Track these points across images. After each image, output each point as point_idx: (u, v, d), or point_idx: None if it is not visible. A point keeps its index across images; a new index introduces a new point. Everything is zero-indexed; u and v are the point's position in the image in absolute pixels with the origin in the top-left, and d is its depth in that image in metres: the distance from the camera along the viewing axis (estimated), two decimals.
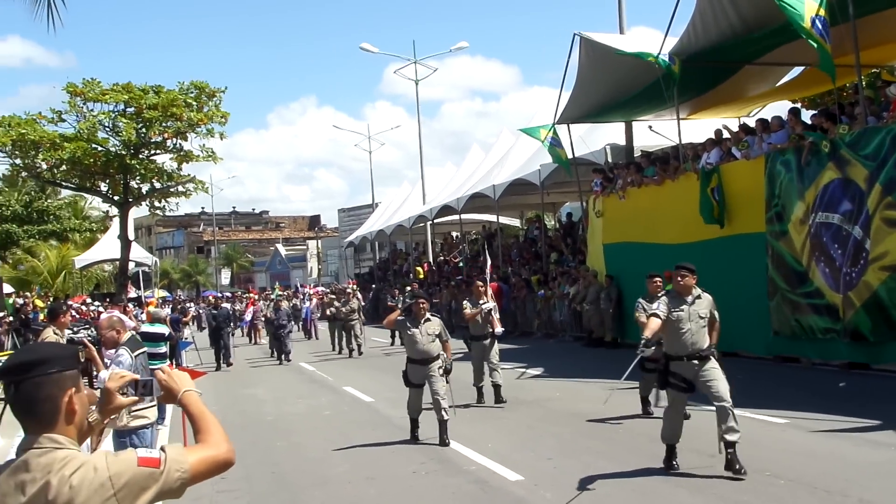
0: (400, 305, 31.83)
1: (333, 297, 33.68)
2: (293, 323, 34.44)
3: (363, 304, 33.05)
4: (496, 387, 16.98)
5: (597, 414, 14.45)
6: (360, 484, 11.08)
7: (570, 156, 27.43)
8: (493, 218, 42.57)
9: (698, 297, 10.64)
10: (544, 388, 18.89)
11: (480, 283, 17.96)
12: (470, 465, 11.69)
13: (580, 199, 30.54)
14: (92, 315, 30.68)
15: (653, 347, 10.80)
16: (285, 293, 45.20)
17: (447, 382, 13.66)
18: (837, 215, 17.22)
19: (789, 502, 9.06)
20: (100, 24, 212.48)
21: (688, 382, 10.46)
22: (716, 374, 10.38)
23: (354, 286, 36.61)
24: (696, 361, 10.41)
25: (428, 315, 13.81)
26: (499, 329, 17.44)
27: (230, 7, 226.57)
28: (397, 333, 31.71)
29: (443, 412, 13.14)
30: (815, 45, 16.11)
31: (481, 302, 17.31)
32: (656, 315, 10.40)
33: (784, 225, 18.81)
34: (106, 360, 9.35)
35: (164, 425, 16.40)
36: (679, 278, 10.64)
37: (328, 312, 32.42)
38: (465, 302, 18.05)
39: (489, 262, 21.16)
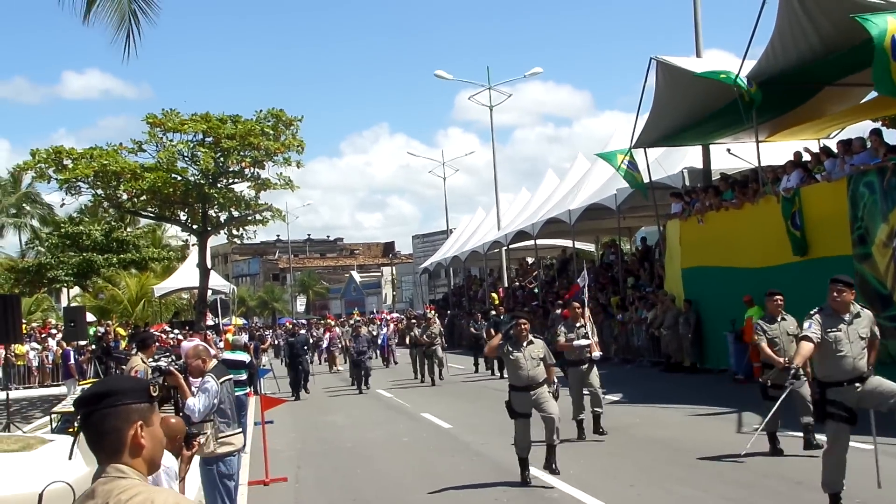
0: (483, 331, 31.50)
1: (414, 322, 33.10)
2: (373, 350, 33.42)
3: (443, 329, 32.01)
4: (596, 416, 15.64)
5: (693, 448, 14.27)
6: None
7: (646, 180, 27.28)
8: (568, 243, 42.43)
9: (857, 314, 9.37)
10: (624, 413, 18.69)
11: (577, 305, 16.69)
12: (552, 492, 11.58)
13: (657, 224, 30.33)
14: (171, 343, 30.99)
15: (804, 379, 10.15)
16: (362, 319, 45.12)
17: None
18: None
19: None
20: (175, 56, 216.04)
21: (850, 411, 9.12)
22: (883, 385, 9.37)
23: (433, 311, 36.39)
24: (857, 384, 9.19)
25: (531, 337, 12.56)
26: (597, 353, 16.16)
27: (303, 37, 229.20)
28: (482, 362, 31.60)
29: (554, 436, 12.32)
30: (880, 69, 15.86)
31: (578, 325, 16.05)
32: (808, 338, 9.15)
33: (867, 248, 18.48)
34: (193, 388, 9.43)
35: (245, 452, 16.53)
36: (835, 294, 9.33)
37: (408, 338, 31.64)
38: (559, 327, 16.67)
39: (586, 281, 19.15)
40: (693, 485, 11.40)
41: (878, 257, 18.18)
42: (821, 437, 10.04)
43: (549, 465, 12.33)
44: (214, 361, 9.45)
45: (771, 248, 21.56)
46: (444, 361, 29.81)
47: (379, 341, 41.19)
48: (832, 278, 9.60)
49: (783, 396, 10.48)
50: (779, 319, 12.98)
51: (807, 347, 9.18)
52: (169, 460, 6.59)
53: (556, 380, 12.94)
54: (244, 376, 17.43)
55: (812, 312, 9.45)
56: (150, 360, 22.17)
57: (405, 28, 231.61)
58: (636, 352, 30.37)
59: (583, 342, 15.84)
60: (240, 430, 9.69)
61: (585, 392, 15.76)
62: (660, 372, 26.81)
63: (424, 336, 29.75)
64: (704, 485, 11.29)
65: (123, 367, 18.19)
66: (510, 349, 12.44)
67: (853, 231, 18.89)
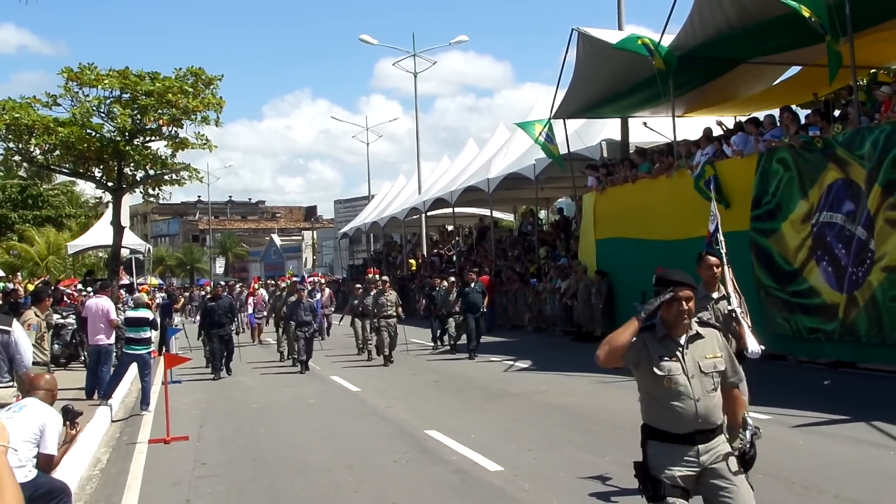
0: (440, 297, 26.37)
1: (359, 287, 27.53)
2: (317, 319, 26.70)
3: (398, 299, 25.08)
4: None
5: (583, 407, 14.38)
6: (340, 472, 11.01)
7: (565, 151, 27.38)
8: (486, 212, 42.51)
9: None
10: (531, 381, 18.84)
11: (715, 261, 9.28)
12: (451, 454, 11.63)
13: (574, 195, 30.48)
14: (82, 300, 30.46)
15: None
16: (297, 279, 38.94)
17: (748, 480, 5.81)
18: (840, 215, 17.12)
19: (766, 497, 9.01)
20: (93, 12, 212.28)
21: None
22: None
23: (377, 275, 30.53)
24: None
25: (696, 327, 5.93)
26: (754, 347, 9.12)
27: None
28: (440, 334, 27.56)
29: None
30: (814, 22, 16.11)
31: (716, 296, 9.23)
32: None
33: (776, 223, 18.71)
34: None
35: (150, 412, 16.37)
36: None
37: (351, 306, 26.62)
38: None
39: (718, 219, 12.27)
40: (591, 450, 11.49)
41: (788, 233, 18.42)
42: None
43: None
44: None
45: (683, 221, 21.77)
46: (395, 336, 23.89)
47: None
48: None
49: None
50: None
51: None
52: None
53: (750, 421, 6.09)
54: (147, 334, 17.12)
55: None
56: (56, 315, 21.90)
57: None
58: (549, 321, 30.58)
59: (733, 303, 9.28)
60: (10, 383, 9.51)
61: None
62: (571, 341, 27.03)
63: (376, 304, 24.02)
64: (602, 450, 11.40)
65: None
66: (653, 353, 5.86)
67: (759, 206, 19.13)
